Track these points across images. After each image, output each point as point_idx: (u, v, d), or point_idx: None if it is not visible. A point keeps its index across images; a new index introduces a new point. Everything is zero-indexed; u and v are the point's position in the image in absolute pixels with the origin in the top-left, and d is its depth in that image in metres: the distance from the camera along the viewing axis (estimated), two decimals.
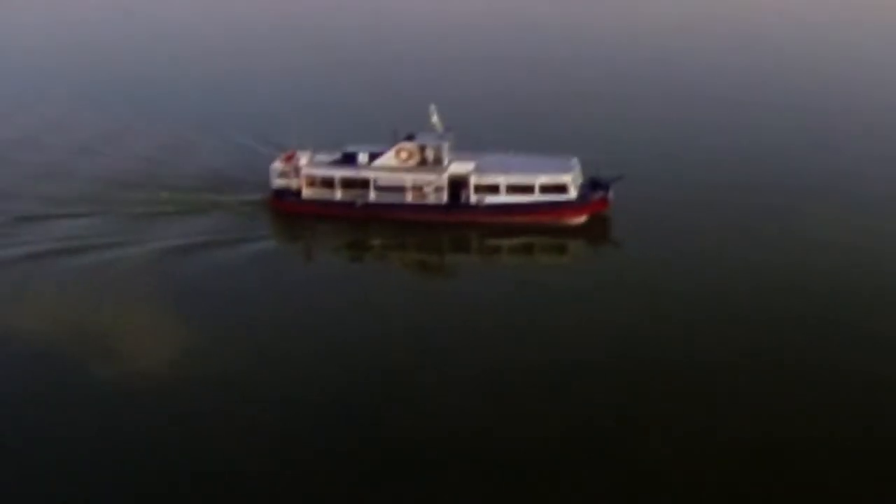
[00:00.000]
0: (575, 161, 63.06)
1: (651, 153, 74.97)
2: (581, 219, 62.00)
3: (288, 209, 64.19)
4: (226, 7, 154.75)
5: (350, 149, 64.23)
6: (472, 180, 61.66)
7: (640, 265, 55.82)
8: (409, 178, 62.23)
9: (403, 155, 62.80)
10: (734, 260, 56.22)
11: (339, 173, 63.20)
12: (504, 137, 69.73)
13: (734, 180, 69.10)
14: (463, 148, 64.09)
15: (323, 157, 65.12)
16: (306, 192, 63.71)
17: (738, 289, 52.59)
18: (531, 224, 61.25)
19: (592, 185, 63.05)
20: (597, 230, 61.81)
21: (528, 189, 61.42)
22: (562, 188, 61.36)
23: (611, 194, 62.06)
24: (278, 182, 64.42)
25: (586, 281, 54.32)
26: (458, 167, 62.65)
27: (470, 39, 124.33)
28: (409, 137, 63.40)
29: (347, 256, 61.63)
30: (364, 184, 62.82)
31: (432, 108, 62.94)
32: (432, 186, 62.15)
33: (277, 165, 64.57)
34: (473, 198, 61.80)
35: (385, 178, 62.57)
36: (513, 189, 61.54)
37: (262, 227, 62.71)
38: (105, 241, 59.07)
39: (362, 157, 63.52)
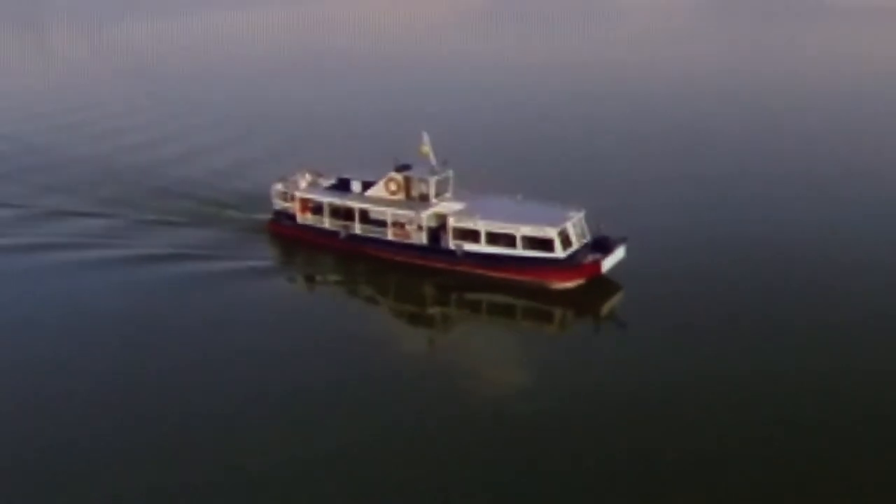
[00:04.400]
0: (575, 213, 52.21)
1: (682, 214, 62.42)
2: (567, 284, 51.02)
3: (283, 233, 59.95)
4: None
5: (345, 175, 58.61)
6: (450, 223, 53.33)
7: (632, 355, 44.03)
8: (389, 213, 55.31)
9: (392, 187, 56.00)
10: (748, 362, 43.06)
11: (327, 200, 57.75)
12: (526, 183, 58.82)
13: (766, 255, 55.27)
14: (471, 187, 55.98)
15: (324, 181, 60.20)
16: (301, 218, 59.06)
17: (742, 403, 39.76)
18: (513, 281, 51.72)
19: (596, 245, 51.94)
20: (590, 299, 50.57)
21: (509, 240, 51.75)
22: (546, 244, 50.93)
23: (607, 260, 50.61)
24: (278, 204, 60.48)
25: (556, 372, 43.04)
26: (442, 207, 54.64)
27: (514, 83, 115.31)
28: (403, 168, 56.34)
29: (312, 296, 55.87)
30: (349, 214, 56.90)
31: (425, 136, 55.40)
32: (414, 225, 54.75)
33: (278, 187, 60.53)
34: (452, 243, 53.46)
35: (369, 211, 56.27)
36: (493, 238, 52.24)
37: (253, 249, 58.50)
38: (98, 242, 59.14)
39: (356, 185, 57.69)
